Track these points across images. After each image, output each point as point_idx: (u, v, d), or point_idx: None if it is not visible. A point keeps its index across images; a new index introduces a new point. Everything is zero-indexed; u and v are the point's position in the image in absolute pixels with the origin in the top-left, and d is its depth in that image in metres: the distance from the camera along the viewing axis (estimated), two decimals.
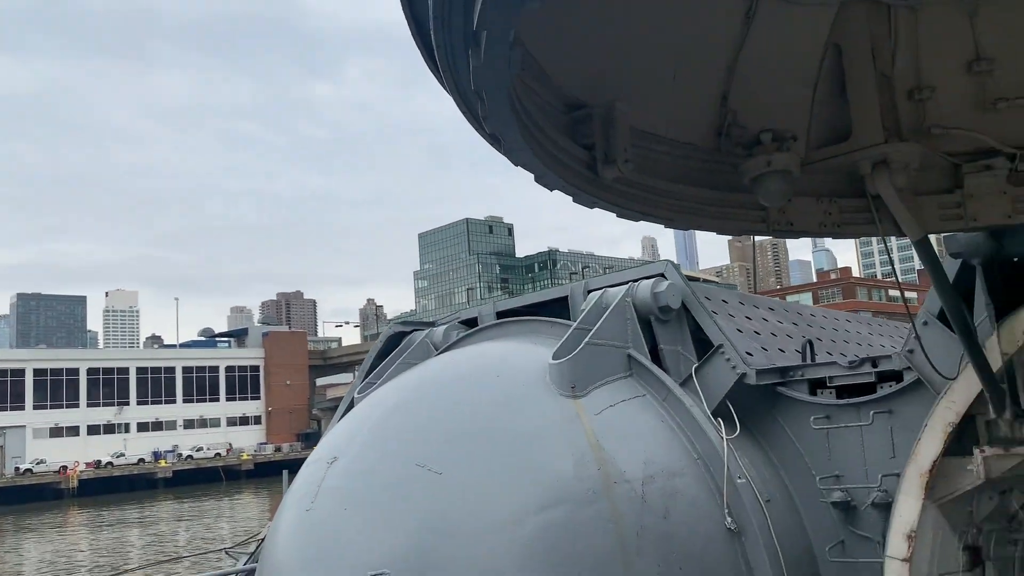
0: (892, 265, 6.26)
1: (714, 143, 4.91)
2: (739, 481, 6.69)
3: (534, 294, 9.59)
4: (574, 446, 6.60)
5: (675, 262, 8.29)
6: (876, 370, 6.88)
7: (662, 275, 8.03)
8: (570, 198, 4.28)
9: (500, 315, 9.37)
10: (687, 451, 6.99)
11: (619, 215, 4.53)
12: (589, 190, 4.20)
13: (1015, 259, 6.18)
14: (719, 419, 7.16)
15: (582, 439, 6.66)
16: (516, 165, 3.81)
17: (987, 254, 5.74)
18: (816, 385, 7.28)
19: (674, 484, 6.69)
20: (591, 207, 4.35)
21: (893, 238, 5.34)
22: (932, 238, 5.26)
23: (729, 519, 6.57)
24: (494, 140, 3.64)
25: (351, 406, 9.28)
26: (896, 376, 6.81)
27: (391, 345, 10.08)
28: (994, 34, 4.84)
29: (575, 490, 6.32)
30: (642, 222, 4.83)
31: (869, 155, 4.80)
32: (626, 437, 6.81)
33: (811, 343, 7.92)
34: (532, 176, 3.98)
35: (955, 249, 5.88)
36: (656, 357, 7.81)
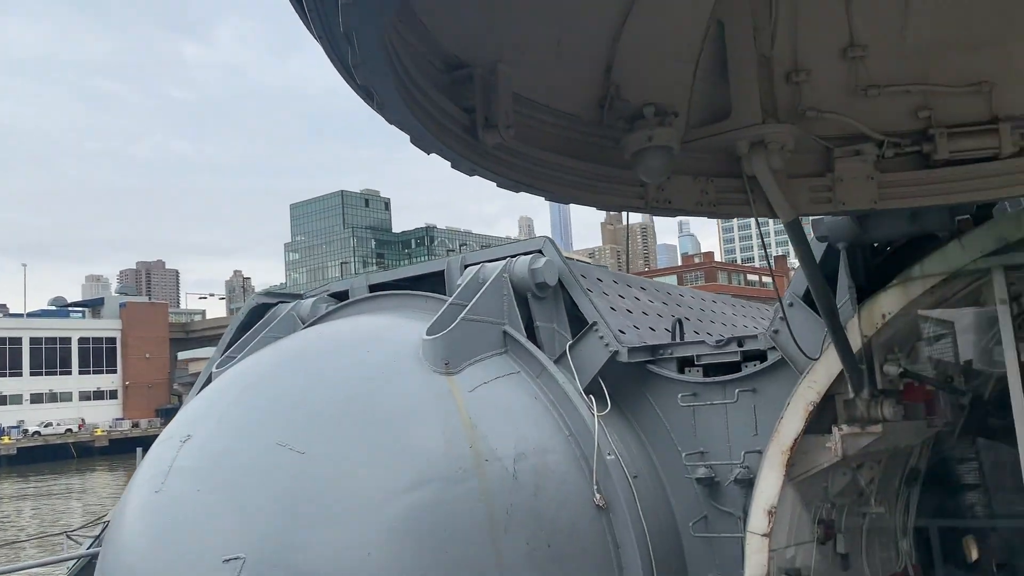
0: (765, 250, 6.39)
1: (597, 116, 4.80)
2: (608, 458, 6.70)
3: (409, 267, 9.31)
4: (446, 424, 6.42)
5: (553, 240, 8.21)
6: (742, 349, 7.04)
7: (540, 252, 7.93)
8: (448, 164, 4.05)
9: (373, 288, 9.04)
10: (559, 428, 6.95)
11: (500, 185, 4.34)
12: (469, 156, 3.98)
13: (875, 244, 6.42)
14: (591, 396, 7.15)
15: (454, 417, 6.48)
16: (391, 123, 3.54)
17: (851, 238, 5.92)
18: (684, 363, 7.39)
19: (545, 461, 6.63)
20: (470, 174, 4.14)
21: (768, 222, 5.42)
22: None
23: (598, 495, 6.58)
24: (366, 94, 3.36)
25: (209, 381, 8.74)
26: (761, 355, 6.98)
27: (254, 317, 9.55)
28: (867, 22, 4.93)
29: (445, 469, 6.14)
30: (521, 195, 4.67)
31: (747, 135, 4.80)
32: (499, 414, 6.69)
33: (680, 322, 8.04)
34: (409, 138, 3.73)
35: (822, 233, 6.04)
36: (532, 334, 7.73)
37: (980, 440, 9.30)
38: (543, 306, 7.75)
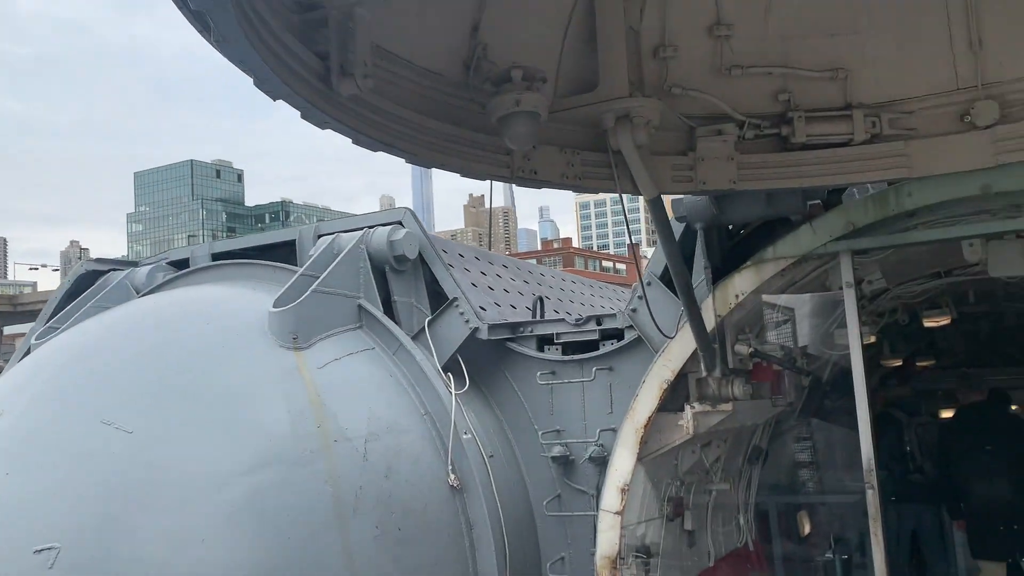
0: (628, 231, 6.35)
1: (462, 76, 4.56)
2: (464, 437, 6.52)
3: (257, 235, 8.74)
4: (292, 402, 6.02)
5: (413, 212, 7.89)
6: (600, 328, 7.02)
7: (399, 223, 7.61)
8: (299, 114, 3.69)
9: (216, 257, 8.42)
10: (415, 407, 6.69)
11: (356, 141, 4.02)
12: (321, 106, 3.64)
13: (731, 226, 6.53)
14: (449, 374, 6.93)
15: (301, 394, 6.09)
16: (232, 61, 3.15)
17: (709, 219, 5.98)
18: (544, 342, 7.30)
19: (399, 441, 6.36)
20: (322, 127, 3.79)
21: (634, 203, 5.37)
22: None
23: (452, 476, 6.38)
24: (202, 26, 2.97)
25: (28, 354, 7.88)
26: (619, 334, 6.99)
27: (83, 285, 8.70)
28: (734, 1, 4.94)
29: (290, 450, 5.76)
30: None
31: (613, 108, 4.71)
32: (351, 392, 6.35)
33: (541, 300, 7.95)
34: (253, 81, 3.35)
35: (681, 213, 6.07)
36: (389, 309, 7.42)
37: (815, 420, 9.83)
38: (402, 280, 7.45)
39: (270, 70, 3.21)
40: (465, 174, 4.70)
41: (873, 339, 8.56)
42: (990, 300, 10.73)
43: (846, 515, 8.91)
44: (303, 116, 3.65)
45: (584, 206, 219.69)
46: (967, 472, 8.46)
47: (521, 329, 7.32)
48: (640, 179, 4.91)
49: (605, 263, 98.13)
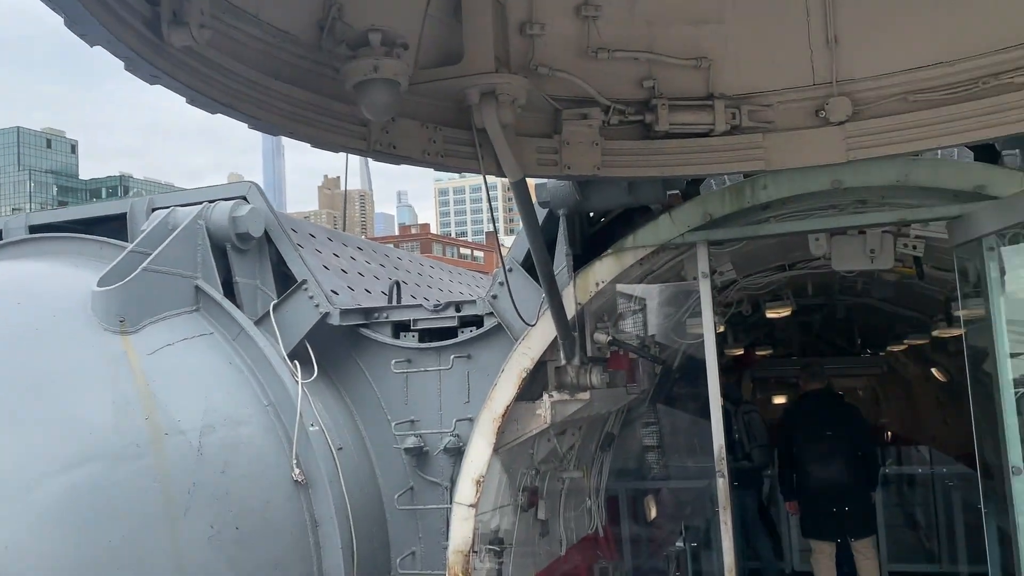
0: (492, 214, 6.14)
1: (316, 38, 4.18)
2: (311, 429, 6.14)
3: (82, 207, 7.93)
4: (117, 392, 5.44)
5: (260, 187, 7.36)
6: (459, 314, 6.80)
7: (244, 198, 7.08)
8: (123, 66, 3.23)
9: (34, 230, 7.57)
10: (256, 397, 6.24)
11: (191, 101, 3.58)
12: (150, 57, 3.19)
13: (592, 214, 6.47)
14: (296, 362, 6.51)
15: (128, 383, 5.52)
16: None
17: (572, 205, 5.87)
18: (400, 328, 7.01)
19: (238, 434, 5.90)
20: (152, 82, 3.34)
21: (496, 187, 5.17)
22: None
23: (296, 470, 5.99)
24: None
25: None
26: (478, 321, 6.80)
27: None
28: None
29: (114, 444, 5.19)
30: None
31: (478, 83, 4.46)
32: (185, 382, 5.83)
33: (398, 284, 7.64)
34: (65, 22, 2.87)
35: (545, 197, 5.93)
36: (230, 291, 6.90)
37: (666, 407, 10.05)
38: (245, 260, 6.93)
39: (85, 8, 2.75)
40: (317, 144, 4.33)
41: (721, 329, 8.80)
42: (826, 293, 11.36)
43: (695, 501, 9.16)
44: (127, 67, 3.19)
45: (443, 192, 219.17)
46: (807, 456, 8.83)
47: (375, 315, 6.99)
48: (505, 160, 4.70)
49: (463, 250, 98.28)
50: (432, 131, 4.65)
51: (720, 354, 13.72)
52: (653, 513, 10.00)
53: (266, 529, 5.80)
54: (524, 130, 4.95)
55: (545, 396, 5.90)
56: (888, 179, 5.24)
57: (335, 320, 6.75)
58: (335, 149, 4.39)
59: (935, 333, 10.13)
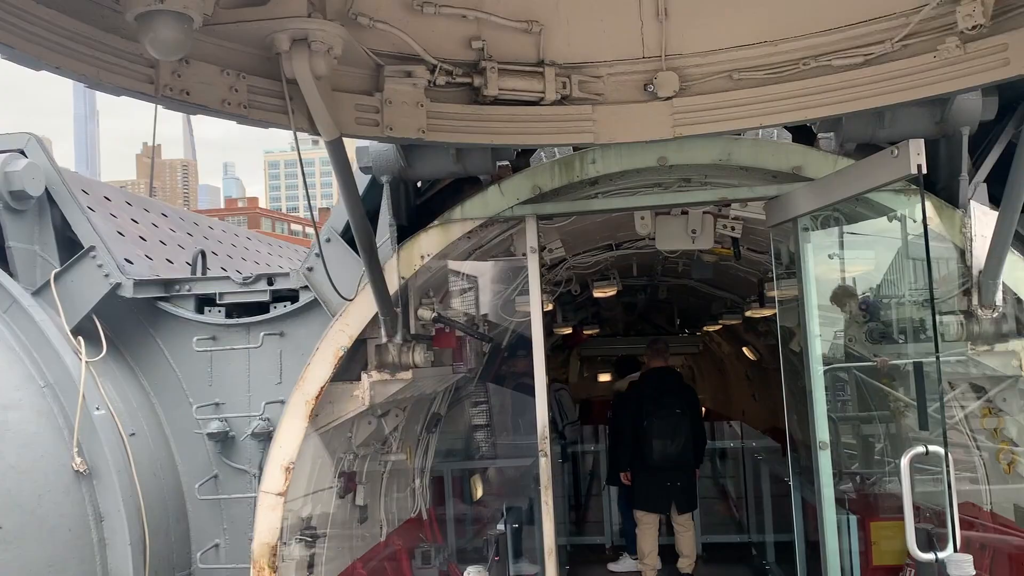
0: (302, 173, 5.65)
1: None
2: (96, 413, 5.46)
3: None
4: None
5: (42, 139, 6.45)
6: (272, 288, 6.29)
7: (21, 152, 6.19)
8: None
9: None
10: (31, 377, 5.48)
11: None
12: None
13: (419, 183, 6.13)
14: (80, 338, 5.77)
15: None
16: None
17: (396, 172, 5.50)
18: (205, 302, 6.40)
19: (6, 420, 5.14)
20: None
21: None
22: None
23: (78, 459, 5.31)
24: None
25: None
26: (293, 296, 6.32)
27: None
28: None
29: None
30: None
31: (288, 28, 4.01)
32: None
33: (204, 254, 6.98)
34: None
35: (366, 163, 5.53)
36: (3, 257, 6.03)
37: (493, 386, 9.93)
38: (20, 222, 6.07)
39: None
40: (93, 85, 3.72)
41: (550, 307, 8.74)
42: (650, 274, 11.63)
43: (521, 480, 9.08)
44: None
45: (273, 165, 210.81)
46: (652, 431, 8.94)
47: (176, 287, 6.34)
48: (318, 116, 4.28)
49: (295, 226, 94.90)
50: (235, 78, 4.14)
51: (549, 333, 13.92)
52: (479, 493, 9.88)
53: (39, 527, 5.10)
54: (342, 86, 4.54)
55: (364, 376, 5.54)
56: (711, 157, 5.25)
57: (128, 292, 6.06)
58: (116, 92, 3.80)
59: (748, 313, 10.60)
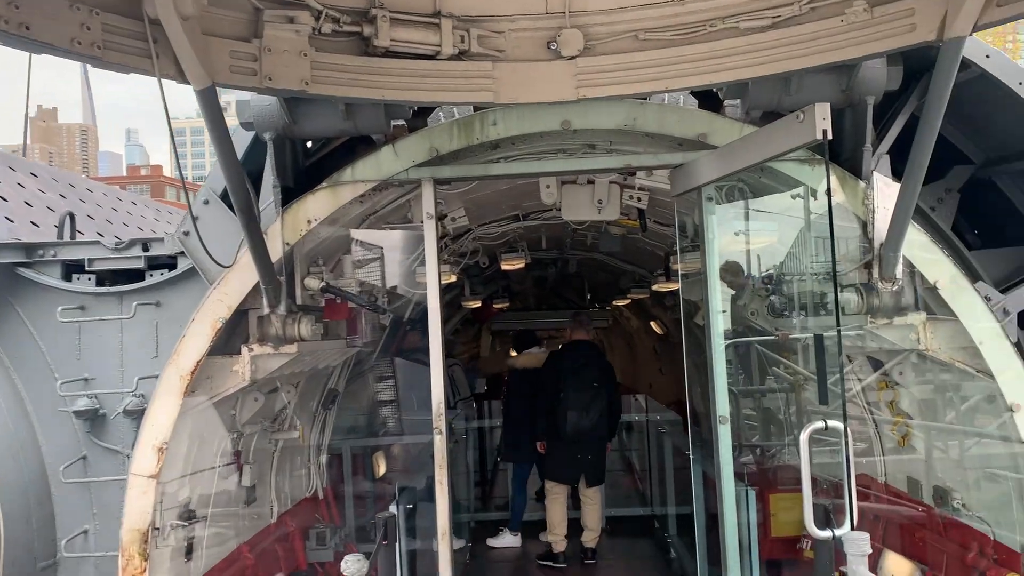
0: (168, 125, 5.18)
1: None
2: None
3: None
4: None
5: None
6: (148, 254, 5.80)
7: None
8: None
9: None
10: None
11: None
12: None
13: (310, 144, 5.73)
14: None
15: None
16: None
17: (281, 129, 5.08)
18: (72, 269, 5.86)
19: None
20: None
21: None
22: None
23: None
24: None
25: None
26: (171, 263, 5.85)
27: None
28: None
29: None
30: None
31: None
32: None
33: (72, 216, 6.40)
34: None
35: (247, 117, 5.09)
36: None
37: (394, 361, 9.60)
38: None
39: None
40: None
41: (453, 278, 8.46)
42: (559, 247, 11.47)
43: (421, 458, 8.81)
44: None
45: (179, 132, 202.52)
46: (569, 403, 8.85)
47: (40, 252, 5.78)
48: (186, 62, 3.86)
49: None
50: (86, 14, 3.67)
51: (457, 307, 13.65)
52: (383, 470, 9.59)
53: None
54: (215, 30, 4.10)
55: (244, 350, 5.14)
56: (616, 122, 5.04)
57: None
58: None
59: (655, 287, 10.56)
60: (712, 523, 7.02)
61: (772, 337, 6.17)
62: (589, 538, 9.24)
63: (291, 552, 7.25)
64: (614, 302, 16.12)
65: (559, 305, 17.88)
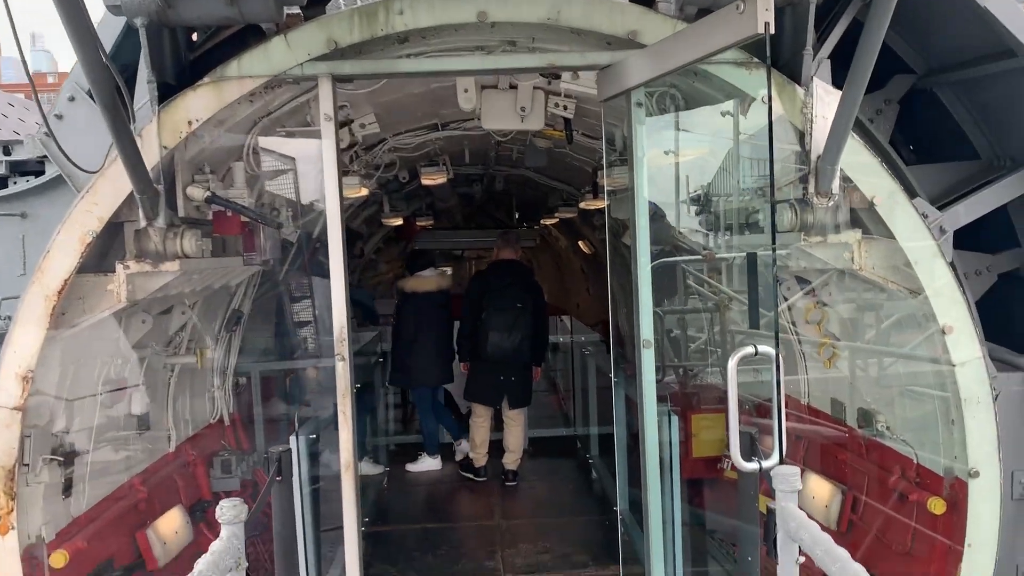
0: (16, 36, 4.43)
1: None
2: None
3: None
4: None
5: None
6: (9, 159, 5.11)
7: None
8: None
9: None
10: None
11: None
12: None
13: (194, 32, 5.04)
14: None
15: None
16: None
17: (156, 15, 4.39)
18: None
19: None
20: None
21: None
22: None
23: None
24: None
25: None
26: (39, 169, 5.18)
27: None
28: None
29: None
30: None
31: None
32: None
33: None
34: None
35: (113, 1, 4.38)
36: None
37: (304, 281, 9.05)
38: None
39: None
40: None
41: (364, 192, 7.89)
42: (484, 162, 10.95)
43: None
44: None
45: None
46: (493, 323, 8.55)
47: None
48: None
49: None
50: None
51: (379, 224, 13.06)
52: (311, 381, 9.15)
53: None
54: None
55: (120, 267, 4.57)
56: (538, 16, 4.52)
57: None
58: None
59: (582, 205, 10.19)
60: (633, 444, 6.87)
61: (698, 257, 5.87)
62: (510, 460, 9.07)
63: (193, 481, 6.82)
64: (542, 221, 15.74)
65: (487, 224, 17.41)
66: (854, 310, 5.36)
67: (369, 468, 9.17)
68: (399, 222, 12.62)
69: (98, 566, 5.18)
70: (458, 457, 9.61)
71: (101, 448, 5.35)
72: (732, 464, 7.43)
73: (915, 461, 5.01)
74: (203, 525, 6.58)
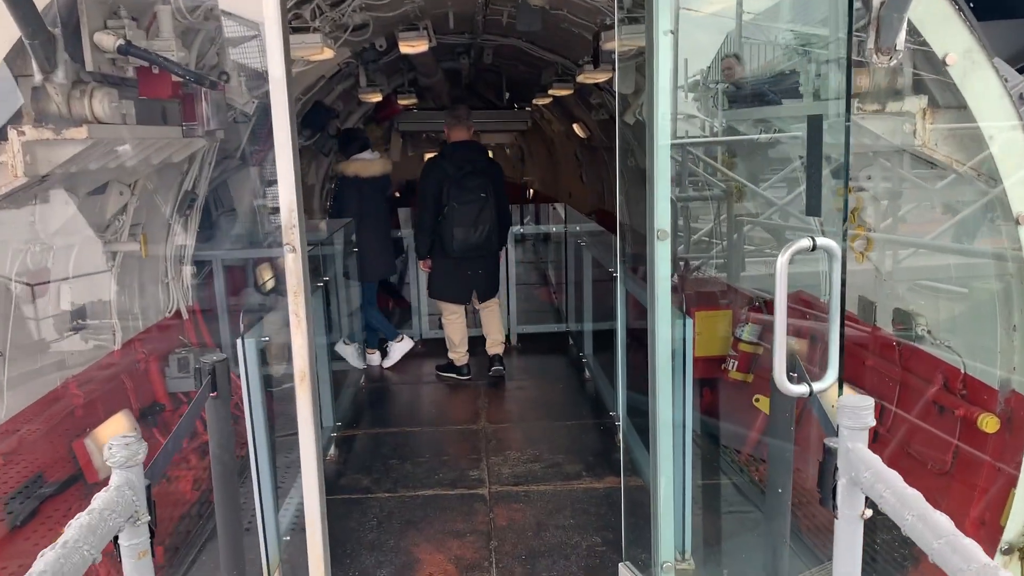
0: None
1: None
2: None
3: None
4: None
5: None
6: None
7: None
8: None
9: None
10: None
11: None
12: None
13: None
14: None
15: None
16: None
17: None
18: None
19: None
20: None
21: None
22: None
23: None
24: None
25: None
26: None
27: None
28: None
29: None
30: None
31: None
32: None
33: None
34: None
35: None
36: None
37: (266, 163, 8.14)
38: None
39: None
40: None
41: (330, 53, 6.87)
42: (471, 30, 9.87)
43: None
44: None
45: None
46: (455, 218, 7.70)
47: None
48: None
49: None
50: None
51: (356, 101, 11.99)
52: (270, 284, 8.41)
53: None
54: None
55: (13, 133, 3.69)
56: None
57: None
58: None
59: (580, 78, 9.19)
60: (634, 344, 6.22)
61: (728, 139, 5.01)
62: (494, 344, 8.43)
63: (145, 383, 6.16)
64: (535, 101, 14.64)
65: (476, 104, 16.29)
66: (902, 196, 4.57)
67: (353, 359, 8.53)
68: (378, 98, 11.57)
69: (25, 482, 4.55)
70: (391, 362, 8.96)
71: (25, 350, 4.64)
72: (738, 365, 6.85)
73: (962, 371, 4.34)
74: (157, 431, 5.97)
